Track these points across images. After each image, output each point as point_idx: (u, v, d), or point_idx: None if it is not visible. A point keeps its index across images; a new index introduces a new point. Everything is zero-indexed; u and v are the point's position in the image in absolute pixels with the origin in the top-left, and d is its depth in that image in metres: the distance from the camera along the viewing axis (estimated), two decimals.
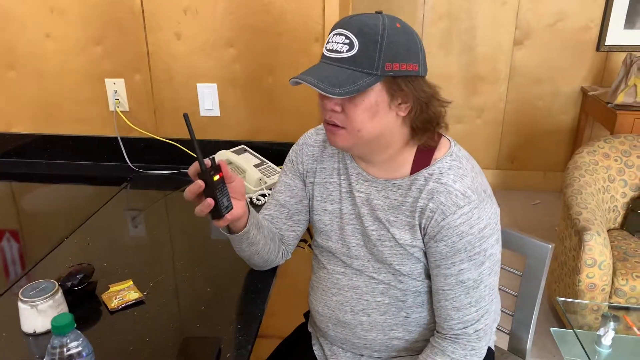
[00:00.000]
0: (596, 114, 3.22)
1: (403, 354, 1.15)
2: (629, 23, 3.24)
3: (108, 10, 1.73)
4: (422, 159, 1.03)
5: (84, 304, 1.12)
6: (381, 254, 1.07)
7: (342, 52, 0.94)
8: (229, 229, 1.10)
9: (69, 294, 1.08)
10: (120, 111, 1.84)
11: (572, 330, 1.66)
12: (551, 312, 2.45)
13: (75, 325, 0.80)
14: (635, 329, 1.71)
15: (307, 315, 1.36)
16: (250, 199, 1.60)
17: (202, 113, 1.82)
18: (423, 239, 1.03)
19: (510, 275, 1.37)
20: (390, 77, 0.94)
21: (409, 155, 1.04)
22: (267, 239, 1.15)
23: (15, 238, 1.49)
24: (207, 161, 0.97)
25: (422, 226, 1.02)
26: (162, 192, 1.76)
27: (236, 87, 1.79)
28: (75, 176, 1.87)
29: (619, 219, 2.40)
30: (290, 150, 1.23)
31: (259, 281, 1.21)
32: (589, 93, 3.25)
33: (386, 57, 0.92)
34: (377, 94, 0.95)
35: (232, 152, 1.71)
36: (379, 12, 0.97)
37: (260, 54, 1.74)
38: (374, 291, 1.10)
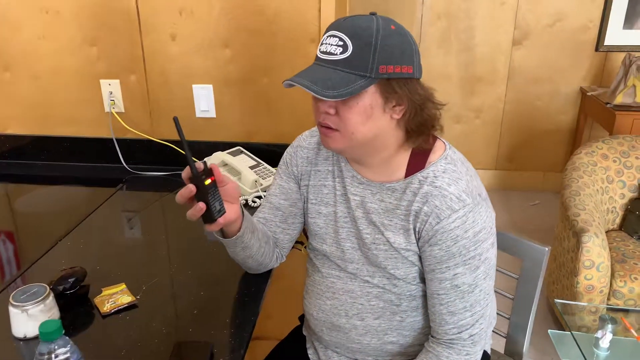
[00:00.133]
0: (595, 115, 3.21)
1: (397, 359, 1.14)
2: (628, 23, 3.23)
3: (103, 11, 1.72)
4: (417, 162, 1.02)
5: (75, 308, 1.11)
6: (375, 258, 1.06)
7: (336, 54, 0.93)
8: (223, 233, 1.09)
9: (60, 298, 1.07)
10: (116, 112, 1.83)
11: (569, 333, 1.65)
12: (550, 313, 2.44)
13: (64, 331, 0.79)
14: (633, 331, 1.70)
15: (302, 318, 1.35)
16: (246, 200, 1.59)
17: (198, 114, 1.82)
18: (417, 242, 1.02)
19: (507, 278, 1.36)
20: (384, 80, 0.93)
21: (404, 158, 1.03)
22: (261, 242, 1.14)
23: (11, 239, 1.48)
24: (200, 164, 0.96)
25: (417, 230, 1.01)
26: (157, 194, 1.75)
27: (232, 88, 1.78)
28: (70, 177, 1.86)
29: (618, 220, 2.39)
30: (285, 153, 1.22)
31: (253, 284, 1.20)
32: (588, 93, 3.24)
33: (380, 60, 0.91)
34: (371, 96, 0.94)
35: (228, 153, 1.70)
36: (373, 14, 0.96)
37: (256, 54, 1.73)
38: (369, 295, 1.09)
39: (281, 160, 1.22)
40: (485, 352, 1.20)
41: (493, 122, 3.59)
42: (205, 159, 1.72)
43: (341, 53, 0.92)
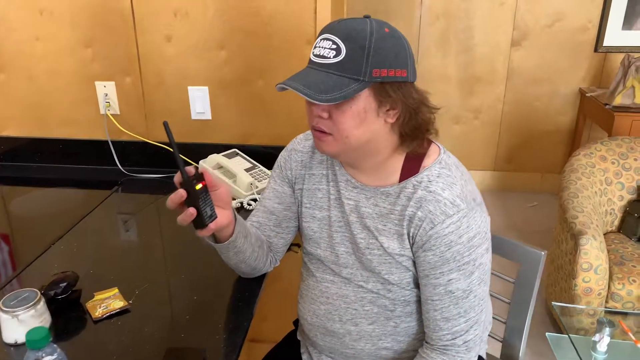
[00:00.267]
0: (594, 116, 3.20)
1: None
2: (627, 24, 3.22)
3: (97, 12, 1.71)
4: (411, 167, 1.02)
5: (67, 313, 1.10)
6: (370, 263, 1.05)
7: (329, 58, 0.92)
8: (215, 238, 1.08)
9: (52, 303, 1.06)
10: (111, 114, 1.82)
11: (567, 335, 1.64)
12: (548, 315, 2.43)
13: (52, 338, 0.78)
14: (631, 334, 1.69)
15: (296, 323, 1.34)
16: (241, 203, 1.58)
17: (194, 116, 1.80)
18: (411, 248, 1.01)
19: (503, 282, 1.35)
20: (378, 84, 0.92)
21: (398, 162, 1.02)
22: (254, 246, 1.13)
23: (6, 241, 1.47)
24: (190, 169, 0.95)
25: (411, 235, 1.00)
26: (153, 196, 1.74)
27: (227, 90, 1.77)
28: (65, 180, 1.84)
29: (616, 222, 2.38)
30: (279, 156, 1.21)
31: (247, 289, 1.19)
32: (587, 94, 3.23)
33: (374, 63, 0.90)
34: (364, 100, 0.93)
35: (224, 155, 1.69)
36: (367, 17, 0.95)
37: (252, 56, 1.72)
38: (363, 300, 1.08)
39: (275, 163, 1.21)
40: (480, 357, 1.19)
41: (492, 122, 3.58)
42: (201, 162, 1.71)
43: (334, 56, 0.91)
